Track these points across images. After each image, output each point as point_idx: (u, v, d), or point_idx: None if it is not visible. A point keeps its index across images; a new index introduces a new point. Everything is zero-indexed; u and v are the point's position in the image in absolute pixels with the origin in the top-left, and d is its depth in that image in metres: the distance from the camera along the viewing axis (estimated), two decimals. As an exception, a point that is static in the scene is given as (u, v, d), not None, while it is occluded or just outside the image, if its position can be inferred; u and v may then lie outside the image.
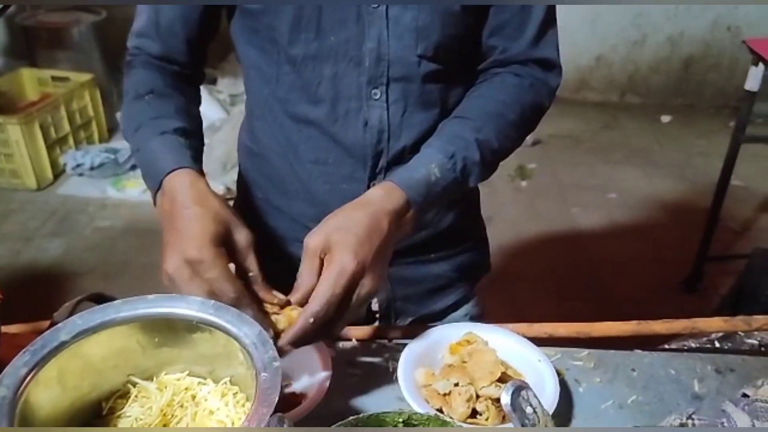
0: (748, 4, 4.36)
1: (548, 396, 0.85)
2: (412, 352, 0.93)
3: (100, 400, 0.77)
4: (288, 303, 0.79)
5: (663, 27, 4.55)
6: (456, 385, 0.86)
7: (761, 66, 2.39)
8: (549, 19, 0.98)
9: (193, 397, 0.78)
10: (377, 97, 0.95)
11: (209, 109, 3.85)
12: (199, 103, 1.03)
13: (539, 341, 0.98)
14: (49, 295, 2.68)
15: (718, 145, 3.66)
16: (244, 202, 1.14)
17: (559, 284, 2.94)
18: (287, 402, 0.84)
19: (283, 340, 0.76)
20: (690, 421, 0.88)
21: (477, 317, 1.20)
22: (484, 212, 1.23)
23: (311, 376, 0.88)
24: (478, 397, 0.86)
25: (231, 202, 1.15)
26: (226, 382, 0.79)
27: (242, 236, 0.79)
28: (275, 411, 0.63)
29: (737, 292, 2.18)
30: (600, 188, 3.69)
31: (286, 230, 1.09)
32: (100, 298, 0.91)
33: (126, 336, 0.76)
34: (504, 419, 0.85)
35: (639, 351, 1.04)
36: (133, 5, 1.02)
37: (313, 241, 0.79)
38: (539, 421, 0.67)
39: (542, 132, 4.10)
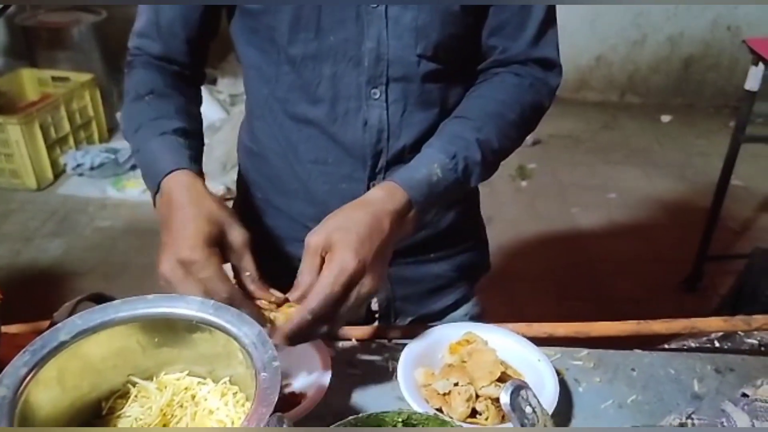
0: (748, 4, 4.36)
1: (548, 396, 0.85)
2: (411, 351, 0.93)
3: (100, 400, 0.77)
4: (286, 301, 0.79)
5: (663, 27, 4.55)
6: (456, 384, 0.86)
7: (761, 66, 2.39)
8: (549, 19, 0.98)
9: (193, 396, 0.78)
10: (377, 96, 0.95)
11: (209, 109, 3.85)
12: (199, 103, 1.04)
13: (539, 341, 0.98)
14: (49, 295, 2.68)
15: (718, 144, 3.66)
16: (244, 201, 1.14)
17: (559, 284, 2.94)
18: (287, 402, 0.84)
19: (279, 334, 0.76)
20: (690, 421, 0.87)
21: (477, 317, 1.20)
22: (484, 212, 1.23)
23: (311, 375, 0.88)
24: (477, 396, 0.86)
25: (231, 202, 1.16)
26: (225, 382, 0.79)
27: (237, 236, 0.79)
28: (275, 411, 0.63)
29: (737, 291, 2.18)
30: (600, 188, 3.69)
31: (286, 230, 1.09)
32: (99, 298, 0.92)
33: (126, 336, 0.76)
34: (503, 419, 0.85)
35: (639, 351, 1.04)
36: (134, 5, 1.02)
37: (314, 239, 0.79)
38: (539, 421, 0.67)
39: (542, 132, 4.10)
